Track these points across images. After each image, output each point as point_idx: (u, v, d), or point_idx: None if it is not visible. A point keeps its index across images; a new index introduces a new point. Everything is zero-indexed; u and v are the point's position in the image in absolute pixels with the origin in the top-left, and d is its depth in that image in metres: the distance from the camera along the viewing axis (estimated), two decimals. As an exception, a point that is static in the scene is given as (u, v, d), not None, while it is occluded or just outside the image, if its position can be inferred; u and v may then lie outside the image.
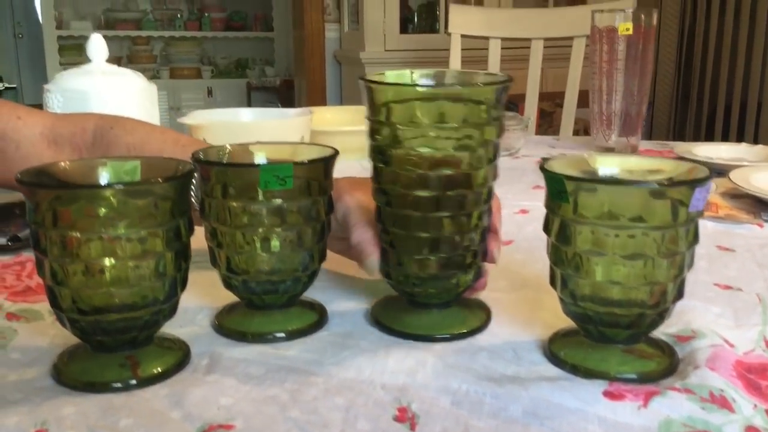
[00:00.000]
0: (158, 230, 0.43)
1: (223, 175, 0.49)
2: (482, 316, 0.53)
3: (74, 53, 5.29)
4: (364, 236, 0.53)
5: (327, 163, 0.50)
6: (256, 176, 0.47)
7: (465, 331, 0.51)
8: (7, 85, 7.25)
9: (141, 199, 0.42)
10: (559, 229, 0.44)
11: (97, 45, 0.85)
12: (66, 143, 0.67)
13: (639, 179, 0.47)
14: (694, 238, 0.44)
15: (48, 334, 0.50)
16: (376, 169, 0.51)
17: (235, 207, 0.48)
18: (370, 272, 0.53)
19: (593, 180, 0.43)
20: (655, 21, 1.22)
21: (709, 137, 3.22)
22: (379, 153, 0.50)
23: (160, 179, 0.42)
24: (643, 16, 1.20)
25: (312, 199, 0.49)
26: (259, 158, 0.54)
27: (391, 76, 0.52)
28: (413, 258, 0.50)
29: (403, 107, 0.48)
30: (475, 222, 0.51)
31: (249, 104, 5.50)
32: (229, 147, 0.54)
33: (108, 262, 0.41)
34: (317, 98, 3.40)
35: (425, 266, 0.50)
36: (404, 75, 0.53)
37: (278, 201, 0.48)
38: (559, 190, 0.43)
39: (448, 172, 0.48)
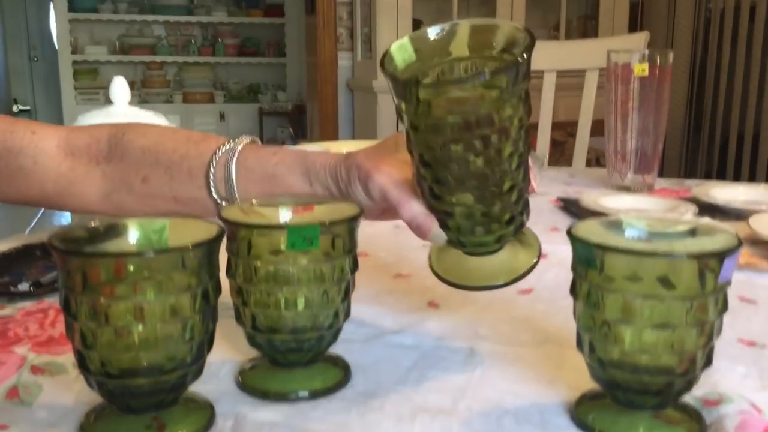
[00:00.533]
0: (186, 294, 0.43)
1: (249, 235, 0.49)
2: (533, 253, 0.55)
3: (89, 77, 5.36)
4: (415, 210, 0.54)
5: (352, 222, 0.50)
6: (282, 237, 0.47)
7: (514, 278, 0.54)
8: (21, 107, 7.33)
9: (170, 265, 0.42)
10: (587, 294, 0.44)
11: (119, 88, 0.86)
12: (82, 154, 0.67)
13: (668, 234, 0.48)
14: (723, 306, 0.44)
15: (73, 390, 0.50)
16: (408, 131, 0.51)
17: (261, 266, 0.48)
18: (438, 242, 0.55)
19: (624, 250, 0.43)
20: (670, 61, 1.23)
21: (722, 169, 3.21)
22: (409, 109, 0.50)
23: (189, 245, 0.42)
24: (658, 57, 1.21)
25: (337, 258, 0.50)
26: (284, 213, 0.55)
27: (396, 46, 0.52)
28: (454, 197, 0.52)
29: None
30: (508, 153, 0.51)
31: (261, 129, 5.55)
32: (254, 201, 0.55)
33: (137, 326, 0.42)
34: (329, 126, 3.42)
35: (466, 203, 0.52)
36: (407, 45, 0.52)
37: (304, 261, 0.48)
38: (587, 257, 0.43)
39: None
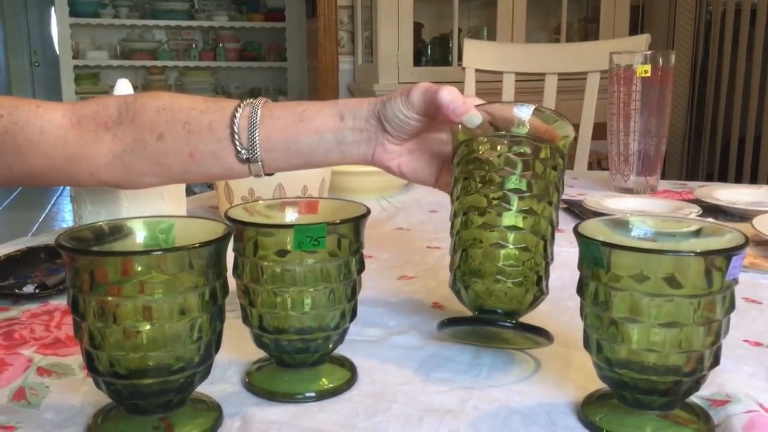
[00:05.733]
0: (194, 293, 0.43)
1: (256, 235, 0.49)
2: (545, 339, 0.54)
3: (90, 82, 5.36)
4: (455, 94, 0.58)
5: (359, 222, 0.50)
6: (289, 237, 0.47)
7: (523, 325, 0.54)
8: (22, 112, 7.30)
9: (177, 264, 0.42)
10: (594, 293, 0.44)
11: (124, 90, 0.86)
12: (90, 120, 0.66)
13: (674, 234, 0.48)
14: (731, 305, 0.44)
15: (80, 392, 0.50)
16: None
17: (268, 266, 0.49)
18: (474, 123, 0.57)
19: (630, 248, 0.43)
20: (672, 63, 1.23)
21: (723, 172, 3.21)
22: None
23: (196, 244, 0.42)
24: (660, 58, 1.21)
25: (344, 257, 0.50)
26: (290, 214, 0.55)
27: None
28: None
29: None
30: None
31: (262, 133, 5.53)
32: (261, 202, 0.55)
33: (145, 325, 0.42)
34: (331, 129, 3.41)
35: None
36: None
37: (311, 261, 0.48)
38: (594, 255, 0.43)
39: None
